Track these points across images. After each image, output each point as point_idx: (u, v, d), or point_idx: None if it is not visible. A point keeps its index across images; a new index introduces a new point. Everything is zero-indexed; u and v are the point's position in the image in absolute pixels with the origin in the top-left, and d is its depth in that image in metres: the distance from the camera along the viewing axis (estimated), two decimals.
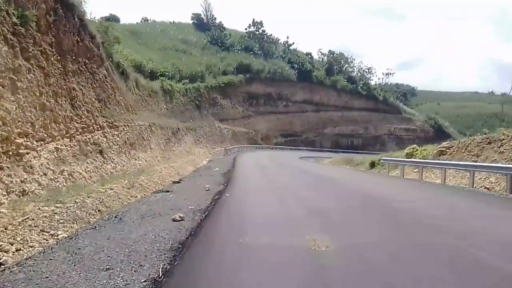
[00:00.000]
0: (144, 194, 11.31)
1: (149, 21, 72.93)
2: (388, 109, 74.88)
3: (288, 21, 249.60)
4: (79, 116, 13.51)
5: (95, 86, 16.05)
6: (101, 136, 14.55)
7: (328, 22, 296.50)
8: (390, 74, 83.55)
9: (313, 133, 64.75)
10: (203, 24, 68.13)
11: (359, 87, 72.21)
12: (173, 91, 36.76)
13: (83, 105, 14.17)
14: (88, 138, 13.58)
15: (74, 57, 14.51)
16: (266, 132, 57.37)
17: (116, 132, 16.06)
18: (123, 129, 17.16)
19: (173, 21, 71.63)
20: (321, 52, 78.71)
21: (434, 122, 77.61)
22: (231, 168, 20.78)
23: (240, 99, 54.11)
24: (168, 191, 11.08)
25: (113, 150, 15.10)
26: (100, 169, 12.97)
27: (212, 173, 17.44)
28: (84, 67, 15.49)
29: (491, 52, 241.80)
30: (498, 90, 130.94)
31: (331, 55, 75.74)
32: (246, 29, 68.10)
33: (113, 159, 14.61)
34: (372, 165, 21.93)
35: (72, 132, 12.56)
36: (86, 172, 11.78)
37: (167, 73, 37.78)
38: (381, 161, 19.78)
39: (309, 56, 71.97)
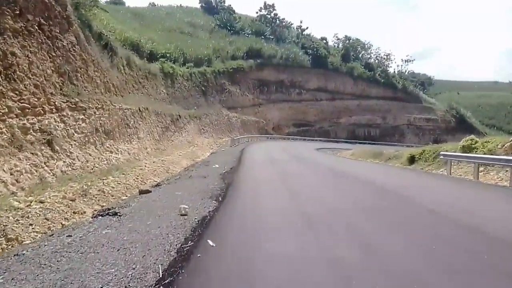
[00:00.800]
0: (81, 217, 7.07)
1: (156, 6, 68.59)
2: (407, 97, 69.41)
3: (301, 5, 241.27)
4: (17, 92, 9.39)
5: (54, 55, 11.89)
6: (55, 121, 10.44)
7: (342, 9, 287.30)
8: (410, 61, 77.70)
9: (327, 122, 60.00)
10: (212, 7, 63.41)
11: (377, 75, 66.91)
12: (176, 74, 32.56)
13: (28, 78, 10.03)
14: (31, 123, 9.47)
15: (18, 12, 10.34)
16: (278, 121, 52.91)
17: (81, 116, 11.94)
18: (94, 112, 13.03)
19: (180, 5, 67.11)
20: (337, 37, 73.40)
21: (456, 112, 71.85)
22: (236, 164, 16.12)
23: (250, 86, 49.66)
24: (109, 215, 6.44)
25: (74, 141, 11.00)
26: (43, 167, 8.89)
27: (208, 173, 13.05)
28: (38, 28, 11.31)
29: (509, 42, 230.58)
30: None
31: (347, 41, 70.41)
32: (257, 12, 63.28)
33: (71, 152, 10.51)
34: (411, 160, 17.37)
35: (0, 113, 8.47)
36: (11, 174, 7.71)
37: (169, 55, 33.56)
38: (441, 157, 14.80)
39: (324, 41, 66.72)
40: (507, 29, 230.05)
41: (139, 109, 18.50)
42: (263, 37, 57.07)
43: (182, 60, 36.90)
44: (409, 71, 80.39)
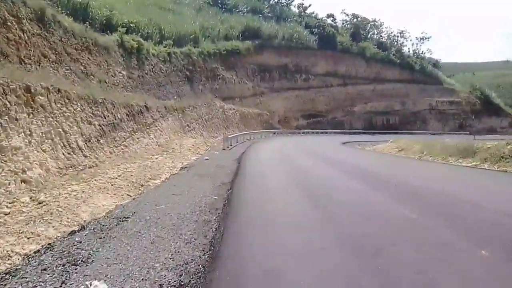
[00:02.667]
0: None
1: None
2: (426, 79, 59.42)
3: None
4: None
5: None
6: None
7: None
8: (426, 38, 67.53)
9: (340, 112, 50.22)
10: None
11: (391, 55, 57.02)
12: (145, 53, 22.94)
13: None
14: None
15: None
16: (284, 113, 43.18)
17: None
18: None
19: None
20: (344, 13, 63.13)
21: (480, 92, 61.96)
22: (223, 213, 6.05)
23: (249, 72, 39.91)
24: None
25: None
26: None
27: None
28: None
29: (504, 23, 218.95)
30: None
31: (355, 19, 60.43)
32: None
33: None
34: None
35: None
36: None
37: (136, 28, 23.87)
38: None
39: (331, 18, 56.69)
40: (505, 8, 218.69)
41: (29, 90, 8.92)
42: (260, 15, 47.26)
43: (158, 38, 27.25)
44: (423, 52, 70.34)
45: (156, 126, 18.26)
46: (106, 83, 16.35)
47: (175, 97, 24.12)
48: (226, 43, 36.99)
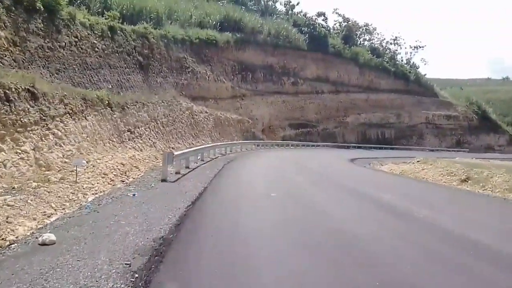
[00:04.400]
0: None
1: None
2: (421, 91, 53.18)
3: None
4: None
5: None
6: None
7: None
8: (420, 47, 61.47)
9: (332, 122, 42.69)
10: None
11: (385, 62, 50.54)
12: (66, 17, 14.49)
13: None
14: None
15: None
16: (269, 120, 35.17)
17: None
18: None
19: None
20: (337, 12, 56.49)
21: (477, 107, 56.40)
22: None
23: (228, 69, 31.83)
24: None
25: None
26: None
27: None
28: None
29: (482, 42, 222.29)
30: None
31: (346, 22, 53.84)
32: None
33: None
34: None
35: None
36: None
37: None
38: None
39: (323, 17, 49.58)
40: (486, 30, 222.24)
41: None
42: (243, 7, 39.55)
43: (98, 6, 18.89)
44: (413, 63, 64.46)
45: (50, 129, 9.73)
46: None
47: (111, 87, 15.64)
48: (200, 31, 28.87)
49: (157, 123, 17.95)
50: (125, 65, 18.18)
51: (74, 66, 14.19)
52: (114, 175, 9.39)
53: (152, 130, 17.17)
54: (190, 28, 28.01)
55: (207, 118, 24.92)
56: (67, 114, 10.97)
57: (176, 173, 11.31)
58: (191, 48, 26.50)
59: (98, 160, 10.39)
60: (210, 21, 31.50)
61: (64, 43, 14.14)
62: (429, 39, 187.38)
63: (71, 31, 14.93)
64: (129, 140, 14.55)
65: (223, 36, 31.52)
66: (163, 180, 9.92)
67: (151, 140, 16.54)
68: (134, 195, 8.07)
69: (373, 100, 47.10)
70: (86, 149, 10.96)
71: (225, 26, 32.85)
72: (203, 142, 21.91)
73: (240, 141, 25.49)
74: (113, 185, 8.67)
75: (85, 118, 11.94)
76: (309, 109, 40.18)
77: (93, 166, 9.50)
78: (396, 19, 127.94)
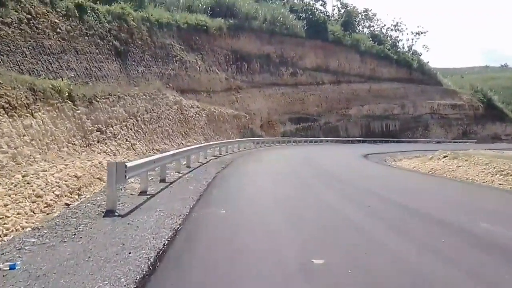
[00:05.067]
0: None
1: None
2: (425, 79, 50.40)
3: None
4: None
5: None
6: None
7: None
8: (422, 33, 58.26)
9: (334, 115, 39.70)
10: None
11: (387, 49, 47.58)
12: None
13: None
14: None
15: None
16: (268, 115, 32.06)
17: None
18: None
19: None
20: None
21: (483, 95, 53.81)
22: None
23: (221, 59, 28.62)
24: None
25: None
26: None
27: None
28: None
29: (474, 30, 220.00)
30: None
31: (345, 8, 50.74)
32: None
33: None
34: None
35: None
36: None
37: None
38: None
39: (321, 1, 46.31)
40: (478, 18, 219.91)
41: None
42: None
43: None
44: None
45: None
46: None
47: (76, 76, 12.44)
48: (189, 15, 25.67)
49: (137, 120, 14.79)
50: (97, 51, 14.95)
51: (24, 48, 10.99)
52: (57, 195, 6.31)
53: (131, 129, 14.01)
54: (177, 11, 24.78)
55: (198, 114, 21.77)
56: (1, 109, 7.82)
57: (141, 193, 7.00)
58: (179, 35, 23.28)
59: (43, 172, 7.28)
60: (200, 5, 28.33)
61: (10, 20, 10.91)
62: (426, 28, 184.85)
63: (22, 5, 11.70)
64: (98, 142, 11.41)
65: (214, 22, 28.35)
66: (109, 212, 5.39)
67: (129, 141, 13.39)
68: (12, 267, 3.29)
69: (376, 90, 44.17)
70: (28, 157, 7.83)
71: (216, 11, 29.72)
72: (194, 141, 18.82)
73: (236, 139, 22.42)
74: (48, 213, 5.58)
75: (31, 115, 8.79)
76: (309, 101, 37.14)
77: (27, 183, 6.39)
78: (394, 7, 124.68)
